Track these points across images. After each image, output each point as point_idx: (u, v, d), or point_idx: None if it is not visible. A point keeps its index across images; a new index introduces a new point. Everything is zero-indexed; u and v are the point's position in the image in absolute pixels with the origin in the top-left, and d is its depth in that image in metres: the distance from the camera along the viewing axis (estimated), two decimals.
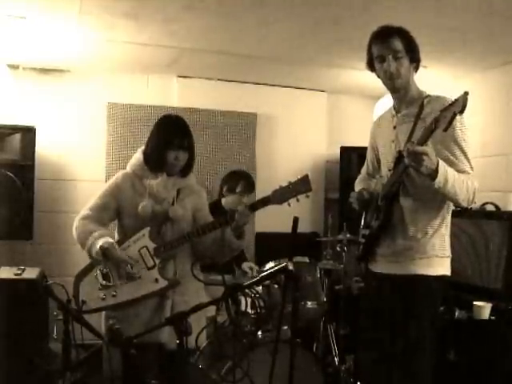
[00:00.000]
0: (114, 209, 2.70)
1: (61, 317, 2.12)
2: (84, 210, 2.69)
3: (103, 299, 2.62)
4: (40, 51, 3.99)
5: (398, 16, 2.91)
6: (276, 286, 3.35)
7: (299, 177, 2.49)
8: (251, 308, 3.22)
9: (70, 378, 2.15)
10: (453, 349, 3.46)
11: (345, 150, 5.04)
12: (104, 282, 2.63)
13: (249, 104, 5.01)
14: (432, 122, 2.08)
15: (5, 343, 3.26)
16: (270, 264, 3.45)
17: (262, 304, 3.13)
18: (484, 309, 3.42)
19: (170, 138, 2.62)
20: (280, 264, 2.11)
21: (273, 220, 4.79)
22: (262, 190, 4.80)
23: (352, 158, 4.97)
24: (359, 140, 4.58)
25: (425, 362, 2.35)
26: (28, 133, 4.01)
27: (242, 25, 3.47)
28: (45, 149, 4.37)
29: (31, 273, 3.57)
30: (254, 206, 2.55)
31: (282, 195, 2.49)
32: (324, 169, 5.33)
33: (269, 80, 4.99)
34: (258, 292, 3.24)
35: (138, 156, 2.73)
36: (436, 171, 2.12)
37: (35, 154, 4.06)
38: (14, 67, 4.32)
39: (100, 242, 2.53)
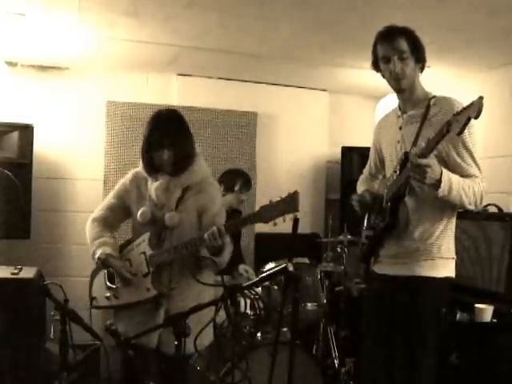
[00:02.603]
0: (122, 210, 2.71)
1: (58, 317, 2.11)
2: (96, 210, 2.73)
3: (108, 299, 2.64)
4: (39, 48, 3.96)
5: (399, 14, 2.90)
6: (276, 287, 3.34)
7: (289, 192, 2.27)
8: (251, 309, 3.20)
9: (66, 379, 2.13)
10: (454, 351, 3.44)
11: (346, 151, 5.01)
12: (109, 284, 2.65)
13: (249, 103, 4.97)
14: (444, 125, 2.06)
15: (1, 343, 3.23)
16: (270, 265, 3.43)
17: (261, 305, 3.11)
18: (486, 311, 3.39)
19: (150, 139, 2.56)
20: (280, 265, 2.09)
21: None
22: (262, 189, 4.85)
23: (353, 158, 4.93)
24: (361, 140, 4.57)
25: (428, 364, 2.34)
26: (26, 131, 3.97)
27: (242, 23, 3.45)
28: (43, 147, 4.34)
29: (28, 272, 3.53)
30: (239, 225, 2.53)
31: (268, 212, 2.29)
32: (325, 169, 5.30)
33: (270, 79, 4.96)
34: (257, 293, 3.21)
35: None
36: (439, 181, 2.12)
37: (33, 153, 4.03)
38: (13, 64, 4.28)
39: (98, 253, 2.57)
